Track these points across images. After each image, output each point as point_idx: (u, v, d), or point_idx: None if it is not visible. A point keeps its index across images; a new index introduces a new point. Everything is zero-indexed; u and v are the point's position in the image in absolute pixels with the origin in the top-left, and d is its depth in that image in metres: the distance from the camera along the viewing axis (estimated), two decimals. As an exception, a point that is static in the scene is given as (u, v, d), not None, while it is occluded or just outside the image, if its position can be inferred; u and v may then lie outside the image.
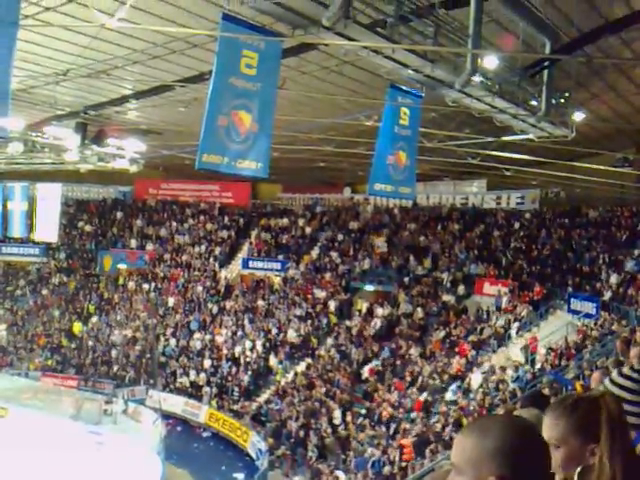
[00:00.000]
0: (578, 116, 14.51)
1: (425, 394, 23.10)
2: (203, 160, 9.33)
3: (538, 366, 20.65)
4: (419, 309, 28.36)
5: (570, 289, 24.11)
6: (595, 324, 21.02)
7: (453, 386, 22.69)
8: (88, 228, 40.10)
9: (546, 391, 15.03)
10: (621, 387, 2.70)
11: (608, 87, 17.83)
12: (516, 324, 24.46)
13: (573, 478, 2.00)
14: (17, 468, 20.58)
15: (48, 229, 27.43)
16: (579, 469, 1.96)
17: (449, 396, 22.22)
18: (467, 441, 1.69)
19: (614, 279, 23.11)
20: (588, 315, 21.98)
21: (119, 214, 40.42)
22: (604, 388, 2.75)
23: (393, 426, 22.20)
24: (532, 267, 26.51)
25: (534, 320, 24.34)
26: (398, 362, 26.34)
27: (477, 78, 11.93)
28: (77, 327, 35.24)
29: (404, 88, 12.62)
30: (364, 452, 21.43)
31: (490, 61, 11.94)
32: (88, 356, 33.56)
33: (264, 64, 9.73)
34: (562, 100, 13.67)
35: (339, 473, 21.02)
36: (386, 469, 19.53)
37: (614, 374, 2.81)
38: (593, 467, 1.98)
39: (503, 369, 21.73)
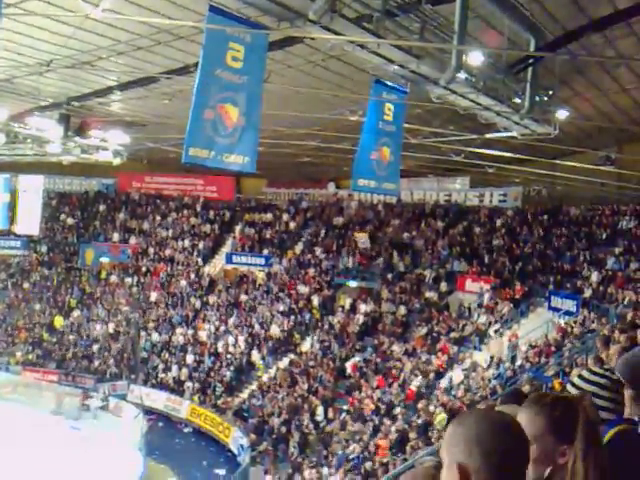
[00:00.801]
0: (561, 114, 14.63)
1: (418, 382, 23.20)
2: (190, 154, 9.27)
3: (518, 363, 20.81)
4: (402, 306, 28.46)
5: (551, 287, 24.31)
6: (575, 322, 21.21)
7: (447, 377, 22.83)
8: (70, 221, 39.76)
9: (526, 388, 15.17)
10: (592, 383, 2.72)
11: (592, 85, 17.98)
12: (497, 323, 24.62)
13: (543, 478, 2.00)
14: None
15: (29, 222, 27.23)
16: (549, 470, 1.97)
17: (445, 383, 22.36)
18: (447, 430, 1.76)
19: (595, 277, 23.33)
20: (568, 313, 22.17)
21: (102, 207, 40.10)
22: (572, 386, 2.77)
23: (377, 420, 22.28)
24: (514, 264, 26.69)
25: (515, 317, 24.53)
26: (379, 359, 26.41)
27: (462, 75, 11.97)
28: (58, 321, 34.96)
29: (389, 84, 12.64)
30: (345, 448, 21.51)
31: (475, 58, 11.99)
32: (69, 350, 33.32)
33: (250, 57, 9.69)
34: (546, 98, 13.77)
35: (322, 470, 21.06)
36: (367, 465, 19.61)
37: (583, 372, 2.84)
38: (562, 468, 1.98)
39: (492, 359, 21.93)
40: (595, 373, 2.79)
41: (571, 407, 2.01)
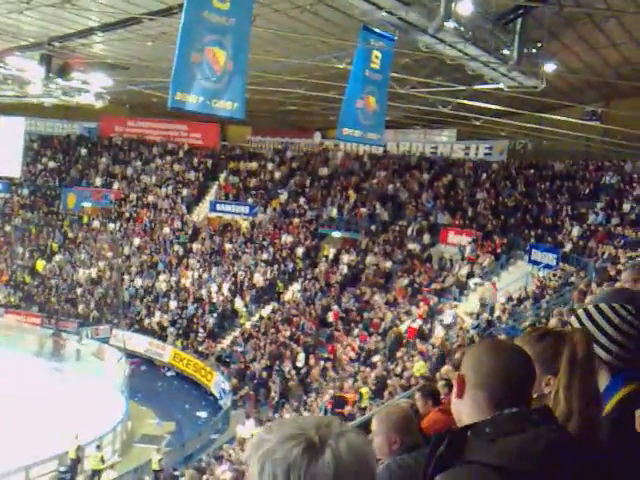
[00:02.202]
0: (549, 67, 14.57)
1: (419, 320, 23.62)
2: (176, 98, 9.10)
3: (497, 314, 21.16)
4: (384, 257, 28.67)
5: (532, 240, 24.56)
6: (555, 275, 21.52)
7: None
8: (52, 164, 39.26)
9: (503, 337, 15.50)
10: (604, 318, 2.26)
11: (581, 39, 17.81)
12: (477, 276, 24.93)
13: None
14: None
15: (10, 164, 26.92)
16: (535, 396, 2.05)
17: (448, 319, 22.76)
18: (463, 359, 1.93)
19: (576, 231, 23.58)
20: (548, 266, 22.49)
21: (84, 151, 39.55)
22: (574, 322, 2.42)
23: (356, 367, 22.72)
24: (497, 218, 26.89)
25: (495, 269, 24.84)
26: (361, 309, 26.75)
27: (450, 24, 11.83)
28: (40, 265, 34.89)
29: (377, 31, 12.48)
30: (325, 393, 21.95)
31: (464, 7, 11.82)
32: (52, 294, 33.37)
33: (238, -1, 9.49)
34: (534, 50, 13.68)
35: (303, 414, 21.51)
36: (347, 409, 20.04)
37: (591, 307, 2.35)
38: (547, 397, 2.08)
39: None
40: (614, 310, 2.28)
41: (558, 340, 2.08)
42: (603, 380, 2.19)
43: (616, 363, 2.21)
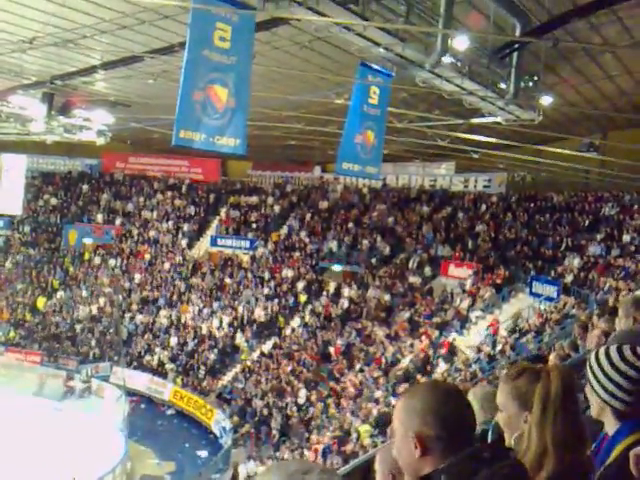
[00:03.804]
0: (546, 100, 14.67)
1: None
2: (180, 136, 9.20)
3: (499, 348, 21.01)
4: (385, 291, 28.58)
5: (533, 272, 24.51)
6: (555, 307, 21.42)
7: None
8: (53, 201, 39.41)
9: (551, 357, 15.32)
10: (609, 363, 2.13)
11: (577, 72, 18.02)
12: (478, 309, 24.83)
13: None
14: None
15: (12, 201, 26.98)
16: (516, 434, 2.02)
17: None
18: (398, 404, 1.84)
19: (576, 263, 23.55)
20: (549, 298, 22.40)
21: (85, 187, 39.76)
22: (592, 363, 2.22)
23: (358, 402, 22.46)
24: (497, 250, 26.88)
25: (496, 302, 24.73)
26: (362, 343, 26.56)
27: (447, 59, 11.98)
28: (41, 302, 34.77)
29: (374, 67, 12.62)
30: (327, 431, 21.68)
31: (460, 42, 11.97)
32: (52, 331, 33.18)
33: (238, 37, 9.63)
34: (530, 83, 13.80)
35: (303, 452, 21.18)
36: (349, 447, 19.78)
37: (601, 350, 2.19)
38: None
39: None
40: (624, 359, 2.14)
41: (534, 377, 2.06)
42: (612, 425, 2.10)
43: (624, 409, 2.08)
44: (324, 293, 30.30)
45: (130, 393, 27.75)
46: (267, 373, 26.88)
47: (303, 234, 33.29)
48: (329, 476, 1.36)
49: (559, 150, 19.75)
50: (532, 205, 28.28)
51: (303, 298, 30.38)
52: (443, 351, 23.05)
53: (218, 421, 25.72)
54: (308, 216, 34.18)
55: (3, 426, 21.93)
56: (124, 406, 25.68)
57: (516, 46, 13.04)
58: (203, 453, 24.97)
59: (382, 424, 6.03)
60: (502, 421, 2.18)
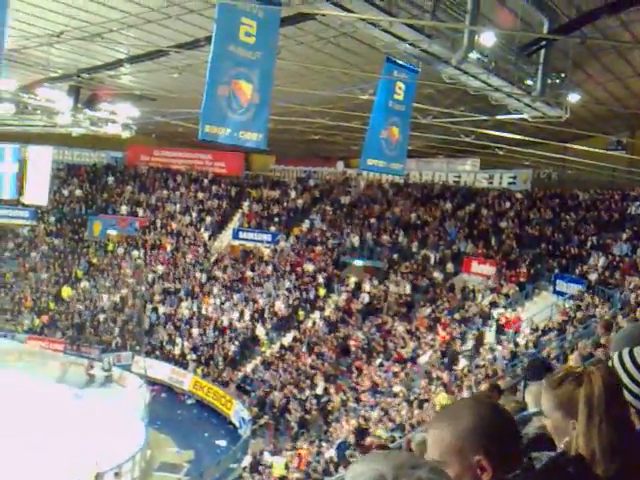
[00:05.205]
0: (573, 97, 14.50)
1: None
2: (206, 131, 9.27)
3: (522, 343, 20.86)
4: (407, 286, 28.50)
5: (557, 270, 24.27)
6: (579, 306, 21.20)
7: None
8: (78, 193, 39.87)
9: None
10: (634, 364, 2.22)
11: (605, 69, 17.75)
12: (501, 303, 24.66)
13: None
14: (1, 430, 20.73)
15: (38, 192, 27.25)
16: (565, 440, 1.97)
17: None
18: (442, 432, 1.72)
19: (601, 262, 23.27)
20: (573, 297, 22.16)
21: (110, 179, 40.17)
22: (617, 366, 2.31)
23: (377, 397, 22.47)
24: (521, 247, 26.65)
25: (519, 300, 24.54)
26: (382, 338, 26.53)
27: (474, 55, 11.88)
28: (66, 291, 35.24)
29: (400, 62, 12.56)
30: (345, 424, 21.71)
31: (487, 38, 11.88)
32: (75, 320, 33.62)
33: (263, 33, 9.64)
34: (558, 80, 13.65)
35: (322, 444, 21.25)
36: (368, 440, 19.80)
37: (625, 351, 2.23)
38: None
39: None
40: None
41: (578, 381, 2.01)
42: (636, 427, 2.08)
43: None
44: (345, 287, 30.30)
45: (151, 382, 28.05)
46: (287, 365, 26.99)
47: (325, 228, 33.30)
48: (439, 476, 1.31)
49: (586, 148, 19.48)
50: (557, 203, 27.97)
51: (323, 292, 30.42)
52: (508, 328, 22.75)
53: (237, 411, 25.90)
54: (330, 211, 34.17)
55: (27, 412, 22.30)
56: (145, 395, 25.97)
57: (543, 43, 12.90)
58: (222, 443, 25.16)
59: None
60: (550, 428, 2.13)
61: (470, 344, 23.18)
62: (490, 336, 23.31)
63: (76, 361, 30.28)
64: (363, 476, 1.30)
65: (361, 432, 20.53)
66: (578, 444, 1.90)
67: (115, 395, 26.95)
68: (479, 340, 22.76)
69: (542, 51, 13.31)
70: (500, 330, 22.88)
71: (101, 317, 33.45)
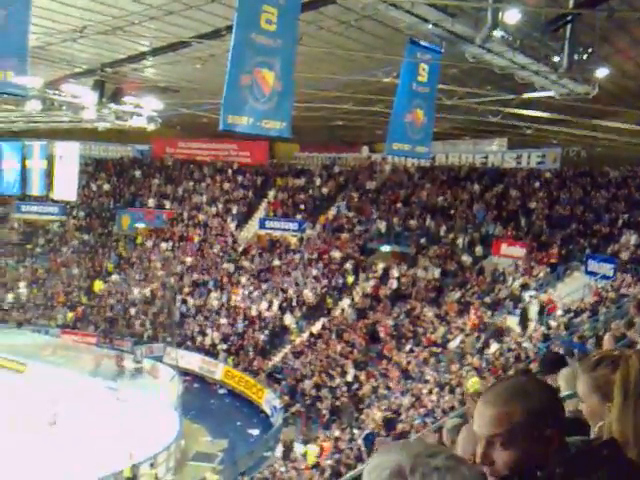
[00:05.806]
0: (601, 72, 14.16)
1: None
2: (228, 121, 9.21)
3: (554, 325, 20.61)
4: (436, 270, 28.33)
5: (588, 250, 23.90)
6: (611, 286, 20.87)
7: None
8: (106, 187, 40.32)
9: (560, 351, 15.07)
10: None
11: (634, 42, 17.30)
12: (532, 285, 24.36)
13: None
14: (37, 423, 21.13)
15: (67, 188, 27.56)
16: (600, 423, 1.97)
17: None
18: (510, 409, 1.78)
19: (633, 240, 22.86)
20: (605, 277, 21.82)
21: (137, 173, 40.53)
22: None
23: (408, 383, 22.41)
24: (551, 228, 26.29)
25: (551, 281, 24.23)
26: (411, 324, 26.43)
27: (498, 33, 11.63)
28: (98, 285, 35.75)
29: (423, 43, 12.37)
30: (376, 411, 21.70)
31: (511, 15, 11.61)
32: (107, 314, 34.09)
33: (284, 19, 9.55)
34: (585, 56, 13.31)
35: (354, 431, 21.27)
36: (399, 426, 19.78)
37: None
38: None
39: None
40: None
41: (614, 365, 1.98)
42: None
43: None
44: (373, 274, 30.23)
45: (183, 373, 28.36)
46: (316, 353, 27.06)
47: (351, 215, 33.21)
48: (456, 463, 1.32)
49: (616, 124, 19.07)
50: (587, 181, 27.51)
51: (351, 279, 30.39)
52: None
53: (269, 400, 26.08)
54: (356, 197, 34.05)
55: (63, 405, 22.69)
56: (178, 385, 26.27)
57: (569, 18, 12.59)
58: (254, 431, 25.38)
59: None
60: (585, 412, 2.12)
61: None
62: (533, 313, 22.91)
63: (109, 354, 30.74)
64: (381, 467, 1.34)
65: (389, 422, 20.47)
66: (612, 428, 1.88)
67: (148, 386, 27.31)
68: (524, 316, 22.40)
69: (568, 26, 12.99)
70: (541, 312, 22.49)
71: (132, 310, 33.86)
